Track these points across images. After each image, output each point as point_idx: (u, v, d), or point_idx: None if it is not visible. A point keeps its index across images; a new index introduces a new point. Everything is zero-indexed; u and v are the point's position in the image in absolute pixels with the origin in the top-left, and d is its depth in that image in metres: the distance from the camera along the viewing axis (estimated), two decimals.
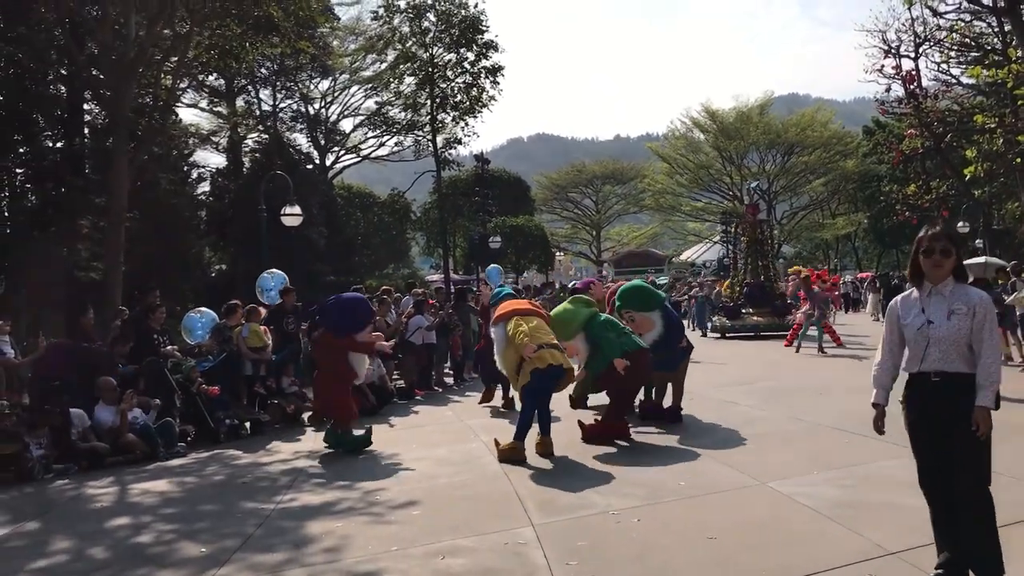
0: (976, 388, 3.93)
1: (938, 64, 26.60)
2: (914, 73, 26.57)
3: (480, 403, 11.83)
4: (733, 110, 51.86)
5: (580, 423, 8.77)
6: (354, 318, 9.26)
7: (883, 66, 26.32)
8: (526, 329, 8.06)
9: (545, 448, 7.91)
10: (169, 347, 11.70)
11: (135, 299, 14.32)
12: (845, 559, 4.62)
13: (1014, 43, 22.64)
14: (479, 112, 38.05)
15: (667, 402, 9.70)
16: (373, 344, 9.60)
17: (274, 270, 14.76)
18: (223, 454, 9.70)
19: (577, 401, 10.74)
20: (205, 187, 33.06)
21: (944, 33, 25.67)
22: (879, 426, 4.29)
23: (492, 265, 26.28)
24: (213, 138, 34.87)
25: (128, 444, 9.39)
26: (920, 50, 26.37)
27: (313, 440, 10.09)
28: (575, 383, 10.32)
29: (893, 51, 26.32)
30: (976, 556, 3.98)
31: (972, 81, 25.35)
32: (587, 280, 11.54)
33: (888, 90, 26.74)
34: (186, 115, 39.78)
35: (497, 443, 8.12)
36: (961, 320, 4.01)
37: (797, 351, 16.87)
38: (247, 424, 11.01)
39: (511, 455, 7.76)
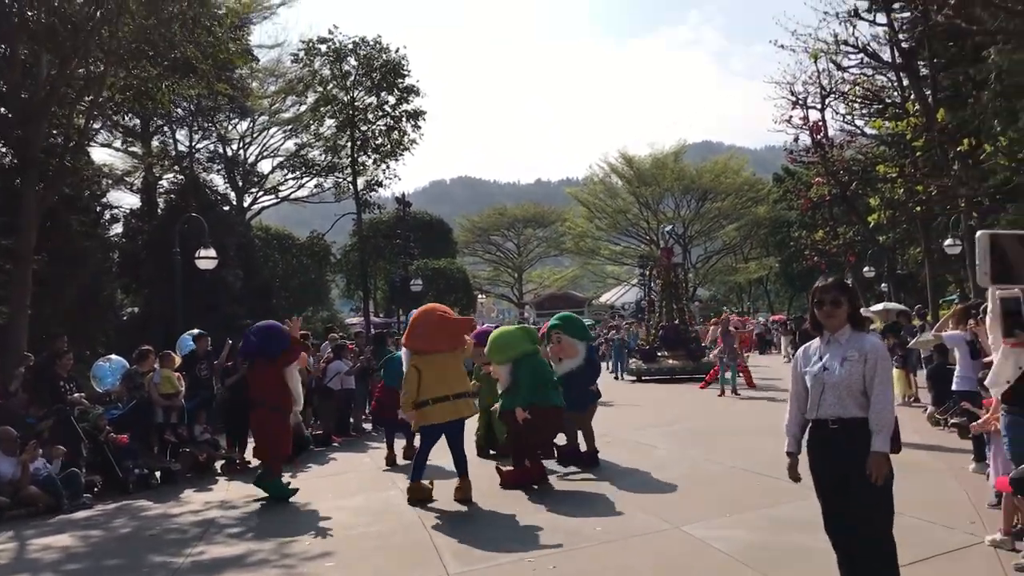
0: (871, 433, 4.03)
1: (843, 115, 27.75)
2: (820, 124, 27.64)
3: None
4: (649, 156, 53.08)
5: (498, 469, 8.78)
6: (280, 338, 9.16)
7: (791, 117, 27.35)
8: (413, 389, 7.92)
9: (463, 494, 7.89)
10: (77, 394, 11.34)
11: (42, 344, 13.86)
12: None
13: (912, 97, 23.83)
14: (400, 155, 38.17)
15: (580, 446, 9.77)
16: (304, 359, 9.54)
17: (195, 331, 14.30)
18: (131, 505, 9.42)
19: (481, 451, 10.78)
20: (118, 228, 32.20)
21: (848, 86, 26.83)
22: (793, 475, 4.42)
23: (413, 310, 26.31)
24: (127, 179, 34.04)
25: (30, 496, 9.04)
26: (826, 102, 27.47)
27: (226, 490, 9.88)
28: (479, 431, 10.50)
29: (800, 102, 27.37)
30: None
31: (875, 132, 26.51)
32: (482, 330, 11.32)
33: (796, 139, 27.75)
34: (99, 155, 38.76)
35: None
36: (853, 366, 4.11)
37: (721, 394, 17.04)
38: (157, 473, 10.72)
39: (414, 495, 7.96)
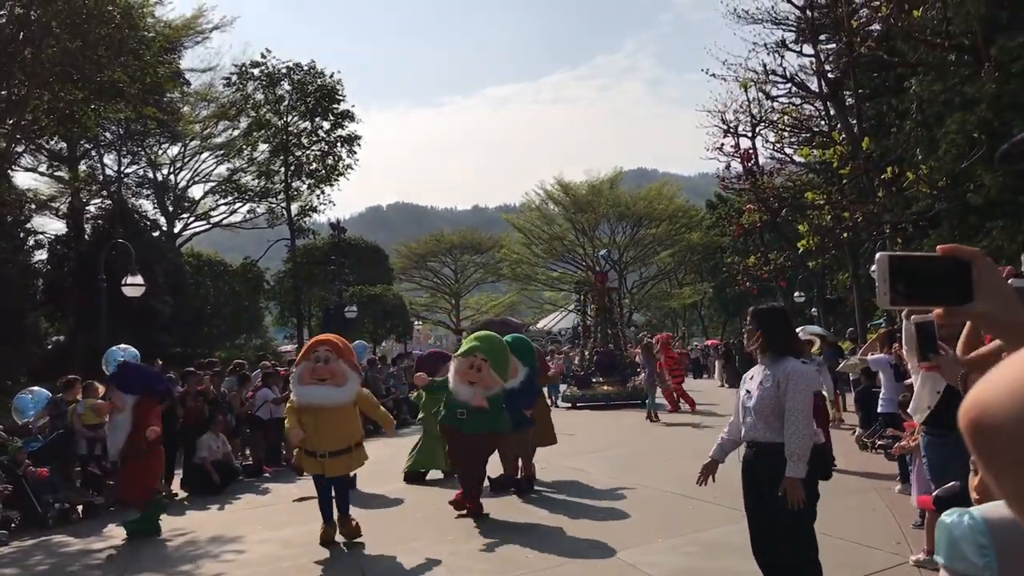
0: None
1: (773, 143, 28.37)
2: (751, 151, 28.24)
3: None
4: (585, 183, 53.59)
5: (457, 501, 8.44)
6: (156, 378, 9.23)
7: (723, 144, 27.87)
8: (295, 435, 7.40)
9: (326, 536, 7.50)
10: None
11: None
12: None
13: (838, 126, 24.53)
14: (335, 180, 37.94)
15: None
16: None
17: (125, 346, 13.98)
18: (50, 541, 9.08)
19: (410, 476, 10.74)
20: (42, 255, 31.34)
21: (777, 115, 27.50)
22: (702, 476, 4.57)
23: (357, 341, 26.10)
24: (52, 204, 33.16)
25: None
26: (756, 130, 28.10)
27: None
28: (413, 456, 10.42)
29: (732, 131, 27.94)
30: None
31: (803, 160, 27.16)
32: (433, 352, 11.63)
33: (728, 167, 28.23)
34: (23, 179, 37.77)
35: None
36: (766, 392, 4.22)
37: (648, 418, 17.16)
38: (79, 507, 10.37)
39: (322, 538, 7.51)
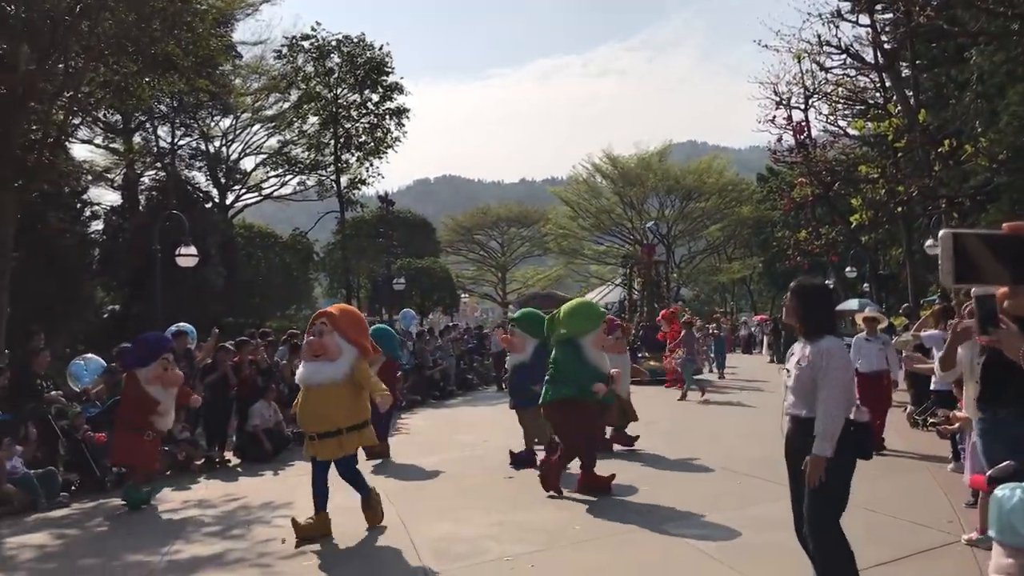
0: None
1: (826, 116, 27.89)
2: (804, 124, 27.81)
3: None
4: (634, 156, 53.15)
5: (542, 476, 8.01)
6: (146, 350, 9.10)
7: (775, 117, 27.48)
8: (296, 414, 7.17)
9: (307, 531, 6.81)
10: (54, 392, 11.24)
11: (20, 342, 13.72)
12: None
13: (894, 98, 23.99)
14: (384, 153, 38.05)
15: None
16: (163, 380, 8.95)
17: (181, 324, 14.22)
18: (108, 503, 9.33)
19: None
20: (98, 225, 31.98)
21: (831, 87, 26.98)
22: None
23: (405, 309, 26.43)
24: (108, 175, 33.79)
25: (5, 495, 8.96)
26: (809, 102, 27.64)
27: (205, 489, 9.82)
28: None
29: (784, 103, 27.51)
30: None
31: (857, 133, 26.65)
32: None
33: (780, 140, 27.86)
34: (80, 151, 38.47)
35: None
36: (803, 370, 4.22)
37: (682, 398, 16.94)
38: None
39: (309, 532, 6.77)
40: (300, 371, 6.97)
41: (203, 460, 11.47)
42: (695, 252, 56.71)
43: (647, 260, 24.72)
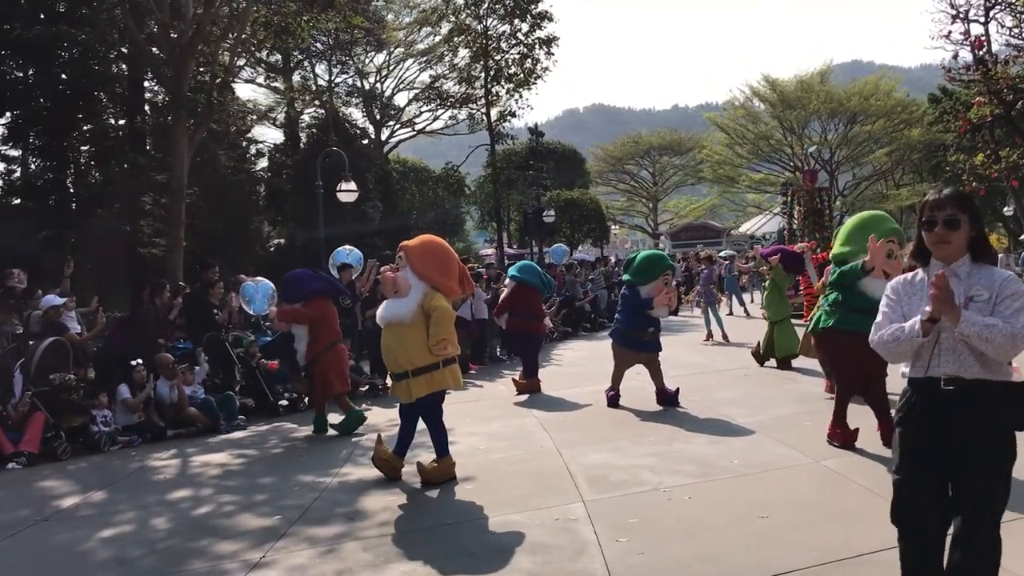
0: (996, 400, 3.13)
1: (1009, 29, 25.65)
2: (983, 39, 25.70)
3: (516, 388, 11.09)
4: (794, 79, 50.78)
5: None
6: (312, 279, 9.57)
7: (950, 32, 25.44)
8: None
9: (383, 463, 6.78)
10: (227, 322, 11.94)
11: (196, 274, 14.61)
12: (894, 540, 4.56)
13: None
14: (533, 84, 37.81)
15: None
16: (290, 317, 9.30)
17: (350, 248, 14.78)
18: (282, 427, 9.91)
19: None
20: (263, 163, 33.48)
21: None
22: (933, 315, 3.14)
23: (557, 244, 26.54)
24: (270, 114, 35.28)
25: (189, 417, 9.66)
26: (990, 14, 25.48)
27: (369, 414, 10.22)
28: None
29: (961, 16, 25.44)
30: None
31: None
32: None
33: (956, 56, 25.84)
34: (244, 91, 40.34)
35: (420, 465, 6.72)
36: (981, 310, 3.11)
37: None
38: (305, 398, 11.20)
39: (432, 476, 6.56)
40: (379, 309, 6.72)
41: (367, 387, 11.95)
42: (860, 178, 53.94)
43: (809, 187, 23.63)
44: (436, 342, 6.28)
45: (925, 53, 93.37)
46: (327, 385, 9.15)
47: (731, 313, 20.89)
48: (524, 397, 10.55)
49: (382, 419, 9.64)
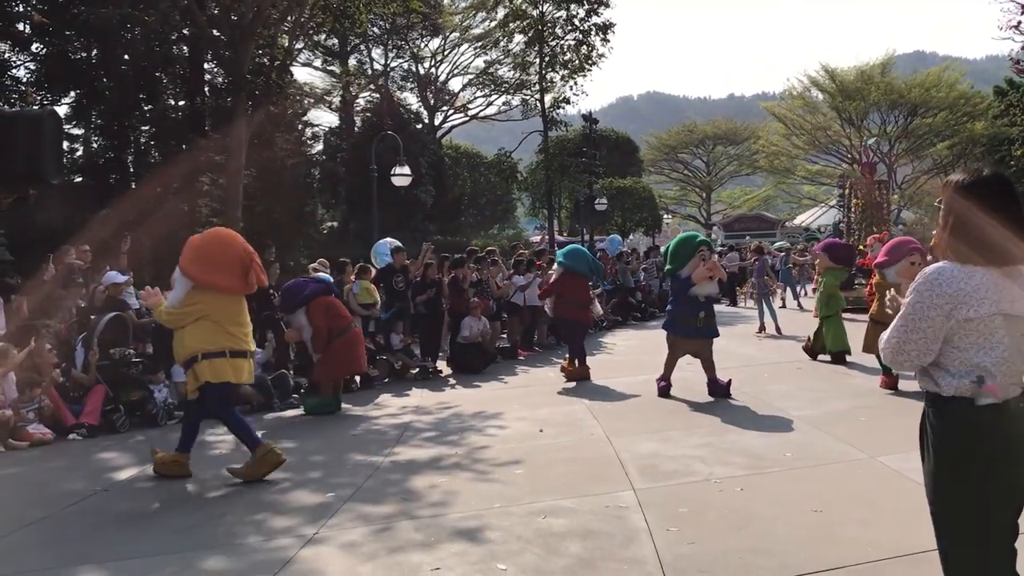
0: None
1: None
2: None
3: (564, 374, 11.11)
4: (853, 69, 49.79)
5: None
6: (303, 287, 10.17)
7: (1020, 22, 24.76)
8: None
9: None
10: None
11: None
12: None
13: None
14: (588, 70, 37.61)
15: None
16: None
17: (391, 240, 14.94)
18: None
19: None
20: (318, 146, 33.83)
21: None
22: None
23: (612, 235, 26.47)
24: (327, 97, 35.63)
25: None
26: None
27: (420, 396, 10.34)
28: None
29: None
30: None
31: None
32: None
33: None
34: (301, 74, 40.74)
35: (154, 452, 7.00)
36: None
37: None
38: (357, 378, 11.32)
39: (173, 469, 6.76)
40: None
41: (417, 370, 12.06)
42: (919, 172, 52.76)
43: (867, 180, 23.18)
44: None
45: (992, 44, 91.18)
46: (336, 368, 9.83)
47: (784, 306, 20.55)
48: (573, 384, 10.55)
49: (432, 401, 9.74)
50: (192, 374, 6.59)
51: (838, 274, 11.60)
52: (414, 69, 39.30)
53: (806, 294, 22.80)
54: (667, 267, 9.51)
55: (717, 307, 9.73)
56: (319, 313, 9.69)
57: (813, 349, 11.40)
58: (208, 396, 6.60)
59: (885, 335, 2.87)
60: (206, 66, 24.66)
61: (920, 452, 2.89)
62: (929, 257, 3.44)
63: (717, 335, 9.27)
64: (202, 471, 6.91)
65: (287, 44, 20.78)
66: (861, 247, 21.47)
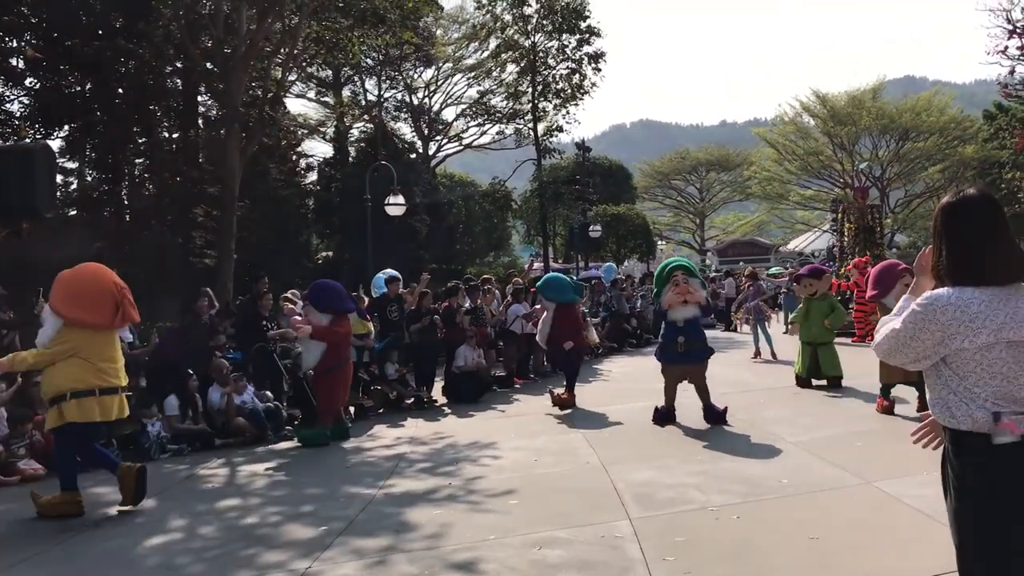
0: None
1: None
2: None
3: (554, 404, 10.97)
4: (844, 94, 50.24)
5: None
6: (344, 297, 10.22)
7: (1007, 47, 24.98)
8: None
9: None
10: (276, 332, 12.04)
11: (245, 285, 14.81)
12: (953, 565, 4.44)
13: None
14: (580, 99, 37.82)
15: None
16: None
17: (390, 270, 14.91)
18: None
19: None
20: (312, 176, 33.90)
21: None
22: None
23: (607, 264, 26.52)
24: (320, 128, 35.78)
25: (238, 427, 9.76)
26: None
27: (414, 426, 10.28)
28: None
29: (1019, 31, 24.96)
30: None
31: None
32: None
33: (1012, 72, 25.41)
34: (294, 105, 40.93)
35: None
36: None
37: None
38: (351, 409, 11.26)
39: (58, 509, 6.60)
40: None
41: (412, 399, 12.00)
42: (912, 196, 53.04)
43: (860, 204, 23.26)
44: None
45: (980, 69, 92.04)
46: (336, 397, 9.71)
47: (787, 332, 20.45)
48: (568, 412, 10.49)
49: (427, 432, 9.68)
50: (57, 411, 6.47)
51: (821, 303, 11.48)
52: (408, 99, 39.48)
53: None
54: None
55: (711, 333, 9.69)
56: (338, 330, 9.63)
57: (803, 377, 11.27)
58: (66, 434, 6.55)
59: (879, 333, 2.85)
60: (199, 98, 24.77)
61: (943, 488, 2.80)
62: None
63: (703, 359, 9.06)
64: (194, 505, 6.85)
65: (280, 76, 20.89)
66: (842, 270, 21.52)
